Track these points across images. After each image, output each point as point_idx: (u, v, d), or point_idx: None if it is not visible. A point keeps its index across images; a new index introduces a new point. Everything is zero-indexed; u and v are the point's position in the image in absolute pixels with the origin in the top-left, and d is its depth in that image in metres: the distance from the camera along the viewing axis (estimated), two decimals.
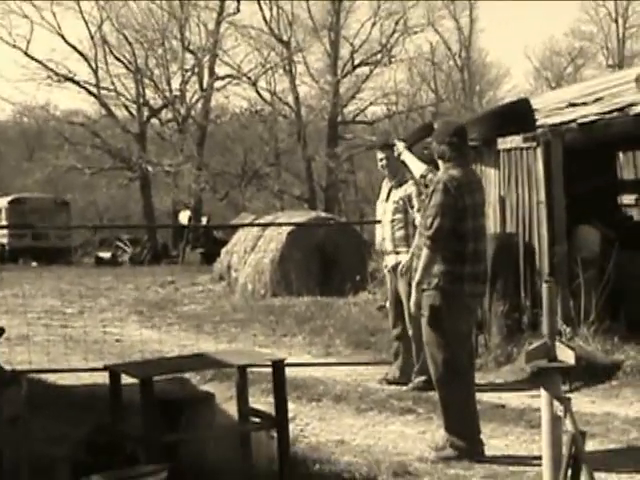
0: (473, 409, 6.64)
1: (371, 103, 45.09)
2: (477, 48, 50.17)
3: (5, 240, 35.08)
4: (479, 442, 6.51)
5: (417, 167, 7.56)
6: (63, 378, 9.34)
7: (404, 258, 8.71)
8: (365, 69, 44.51)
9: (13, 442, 4.96)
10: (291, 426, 6.23)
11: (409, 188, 8.80)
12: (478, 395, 8.32)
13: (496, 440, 7.03)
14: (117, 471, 4.74)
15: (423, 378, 8.62)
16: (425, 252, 6.35)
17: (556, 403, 4.73)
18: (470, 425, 6.52)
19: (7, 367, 5.82)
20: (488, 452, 6.60)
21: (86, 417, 6.99)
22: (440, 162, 6.67)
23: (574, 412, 4.47)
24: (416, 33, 44.72)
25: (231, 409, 6.75)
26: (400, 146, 7.99)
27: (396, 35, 43.94)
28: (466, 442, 6.43)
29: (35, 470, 5.31)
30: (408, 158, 7.81)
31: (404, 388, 8.72)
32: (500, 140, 10.79)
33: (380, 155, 9.17)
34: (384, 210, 9.09)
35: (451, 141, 6.53)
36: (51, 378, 9.30)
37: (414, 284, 6.52)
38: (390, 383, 9.01)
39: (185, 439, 5.58)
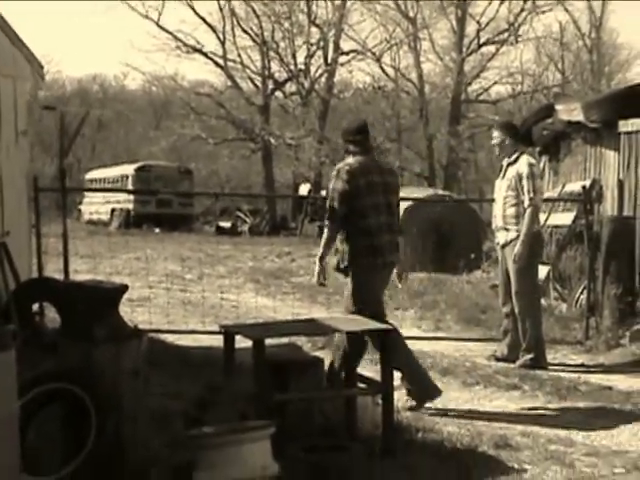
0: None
1: (496, 82, 44.54)
2: (608, 29, 48.71)
3: (130, 206, 36.00)
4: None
5: None
6: (181, 339, 9.70)
7: (512, 236, 8.76)
8: (491, 48, 43.88)
9: (132, 393, 5.24)
10: (397, 395, 6.40)
11: (522, 167, 8.79)
12: (586, 376, 8.41)
13: (600, 420, 7.07)
14: (227, 424, 4.97)
15: (530, 356, 8.71)
16: (325, 231, 7.10)
17: None
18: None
19: (129, 324, 6.12)
20: (592, 432, 6.66)
21: (201, 376, 7.30)
22: (346, 155, 7.20)
23: None
24: (545, 12, 43.73)
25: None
26: None
27: (524, 14, 43.13)
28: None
29: (151, 421, 5.62)
30: None
31: (511, 365, 8.78)
32: (621, 123, 10.69)
33: (495, 133, 9.20)
34: (499, 187, 9.13)
35: (354, 138, 7.14)
36: (170, 338, 9.66)
37: (317, 259, 7.23)
38: (498, 360, 9.07)
39: (293, 399, 5.81)
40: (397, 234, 7.23)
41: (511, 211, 8.84)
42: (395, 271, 7.38)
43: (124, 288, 5.65)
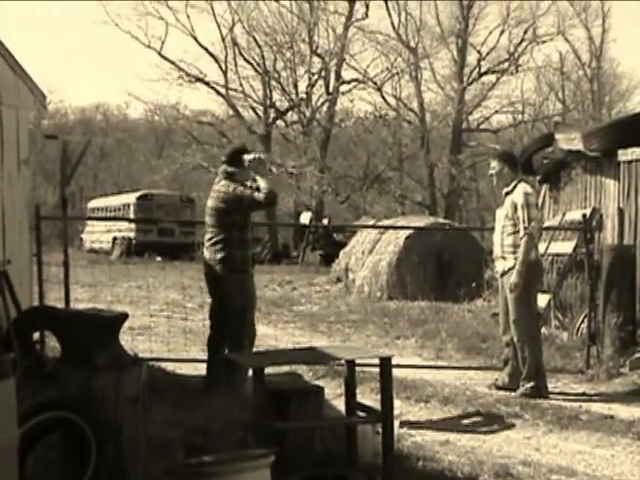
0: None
1: (496, 111, 44.77)
2: (608, 58, 49.01)
3: (132, 235, 36.01)
4: None
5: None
6: (181, 367, 9.67)
7: (510, 264, 8.78)
8: (492, 77, 44.20)
9: (132, 421, 5.23)
10: (398, 424, 6.38)
11: (517, 197, 8.82)
12: (587, 405, 8.38)
13: (602, 450, 7.03)
14: (227, 452, 4.96)
15: (531, 385, 8.69)
16: None
17: None
18: None
19: (129, 352, 6.11)
20: (593, 461, 6.65)
21: (201, 404, 7.29)
22: None
23: None
24: (545, 42, 44.13)
25: (340, 404, 6.95)
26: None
27: (524, 43, 43.52)
28: None
29: (151, 449, 5.60)
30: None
31: (512, 394, 8.76)
32: (621, 152, 10.72)
33: (492, 164, 9.24)
34: (499, 216, 9.15)
35: (227, 160, 8.20)
36: (170, 367, 9.62)
37: None
38: (499, 388, 9.06)
39: (293, 428, 5.79)
40: (217, 253, 7.96)
41: (509, 240, 8.86)
42: None
43: (124, 317, 5.65)
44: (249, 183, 8.08)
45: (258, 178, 8.00)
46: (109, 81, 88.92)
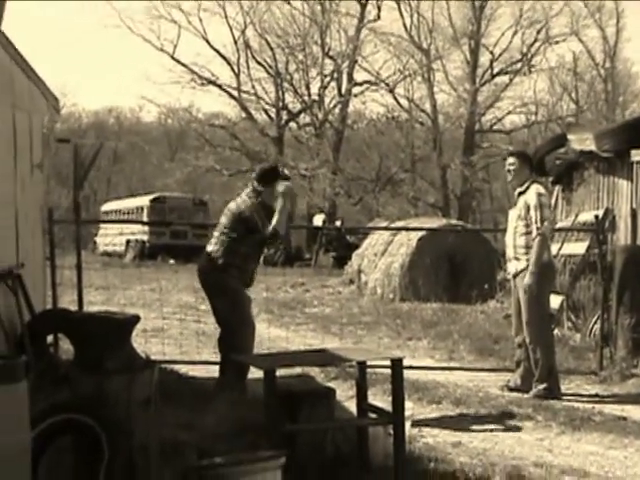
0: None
1: (509, 112, 44.70)
2: (622, 58, 48.77)
3: (145, 237, 36.07)
4: None
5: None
6: (194, 370, 9.69)
7: (522, 266, 8.77)
8: (504, 78, 44.12)
9: (145, 423, 5.25)
10: (409, 425, 6.37)
11: (530, 197, 8.80)
12: (600, 407, 8.36)
13: (615, 451, 7.01)
14: (238, 454, 4.97)
15: (544, 386, 8.68)
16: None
17: None
18: None
19: (142, 355, 6.13)
20: (606, 462, 6.63)
21: (213, 406, 7.30)
22: None
23: None
24: (558, 42, 44.04)
25: (351, 406, 6.95)
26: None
27: (537, 44, 43.44)
28: None
29: (163, 451, 5.62)
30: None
31: (525, 395, 8.76)
32: (634, 152, 10.69)
33: (510, 160, 9.18)
34: (511, 217, 9.14)
35: (257, 178, 8.10)
36: (183, 369, 9.65)
37: None
38: (511, 390, 9.05)
39: (305, 429, 5.80)
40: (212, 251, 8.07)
41: (521, 241, 8.84)
42: None
43: (136, 319, 5.69)
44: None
45: (278, 207, 7.96)
46: (122, 84, 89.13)
